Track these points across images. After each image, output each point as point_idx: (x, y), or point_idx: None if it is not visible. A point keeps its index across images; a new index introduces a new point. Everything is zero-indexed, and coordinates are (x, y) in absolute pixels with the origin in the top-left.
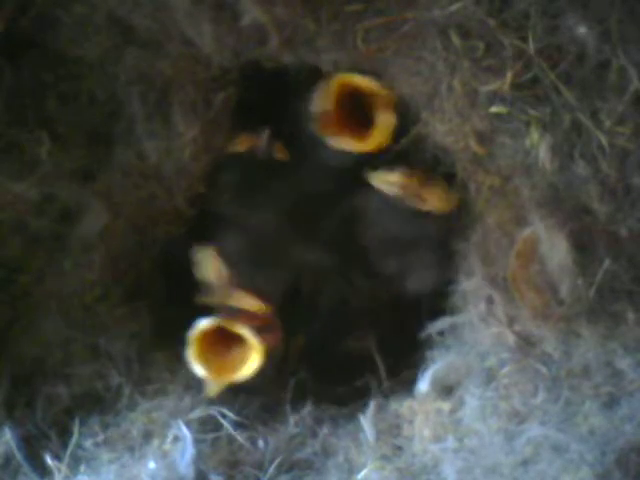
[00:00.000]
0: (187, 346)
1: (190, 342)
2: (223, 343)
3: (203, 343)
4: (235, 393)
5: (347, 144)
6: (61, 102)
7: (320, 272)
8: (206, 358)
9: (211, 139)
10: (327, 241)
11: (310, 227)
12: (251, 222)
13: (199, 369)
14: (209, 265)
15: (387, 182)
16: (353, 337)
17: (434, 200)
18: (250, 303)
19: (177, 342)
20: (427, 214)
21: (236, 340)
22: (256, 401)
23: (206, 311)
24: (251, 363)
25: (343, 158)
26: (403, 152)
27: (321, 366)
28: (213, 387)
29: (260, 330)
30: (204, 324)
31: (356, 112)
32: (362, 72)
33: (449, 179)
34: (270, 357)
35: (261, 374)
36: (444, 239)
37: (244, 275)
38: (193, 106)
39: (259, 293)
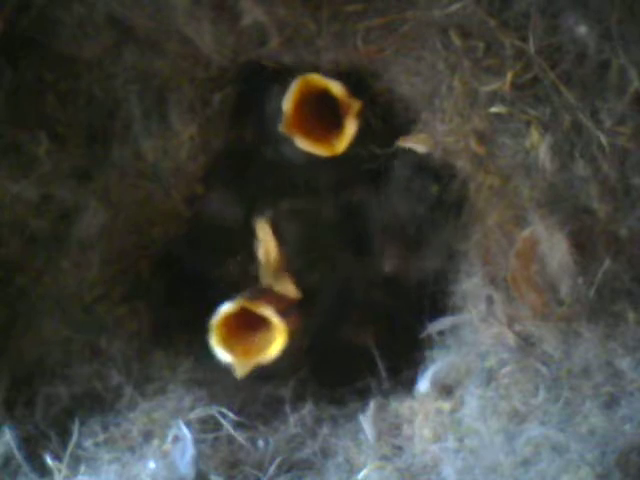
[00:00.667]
0: (210, 333)
1: (213, 328)
2: (246, 327)
3: (226, 328)
4: (258, 379)
5: (310, 147)
6: (60, 102)
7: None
8: (230, 342)
9: (208, 139)
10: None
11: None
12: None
13: (223, 354)
14: (261, 237)
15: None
16: (352, 331)
17: None
18: (291, 290)
19: (177, 341)
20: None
21: (259, 323)
22: (257, 402)
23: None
24: (276, 344)
25: (306, 158)
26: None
27: (321, 365)
28: (241, 369)
29: (282, 312)
30: (227, 308)
31: (330, 113)
32: (366, 75)
33: (449, 179)
34: (292, 339)
35: (284, 356)
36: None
37: (295, 261)
38: (190, 105)
39: (302, 283)
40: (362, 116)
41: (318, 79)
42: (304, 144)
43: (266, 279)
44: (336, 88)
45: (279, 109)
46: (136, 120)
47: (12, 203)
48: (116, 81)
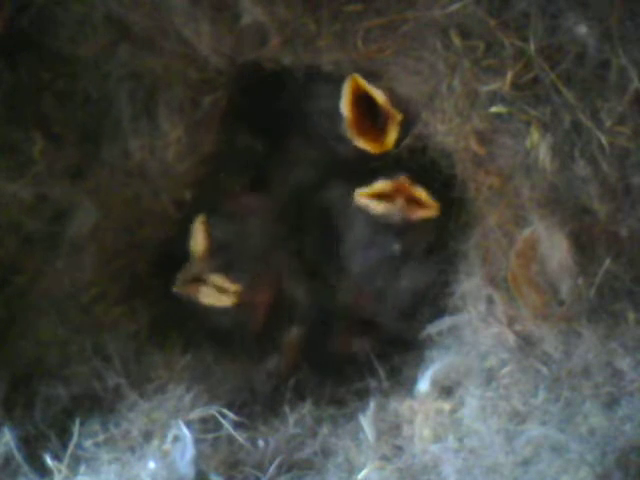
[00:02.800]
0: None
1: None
2: None
3: None
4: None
5: (365, 144)
6: (57, 101)
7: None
8: None
9: (197, 141)
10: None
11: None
12: (249, 214)
13: None
14: (194, 233)
15: (372, 198)
16: (344, 338)
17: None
18: (224, 285)
19: (176, 340)
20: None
21: None
22: (257, 402)
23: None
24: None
25: (361, 156)
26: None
27: (321, 366)
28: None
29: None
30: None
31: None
32: (366, 75)
33: (449, 180)
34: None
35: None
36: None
37: (224, 259)
38: (180, 106)
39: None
40: None
41: (363, 83)
42: (361, 142)
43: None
44: (379, 97)
45: (329, 109)
46: (126, 118)
47: (8, 203)
48: (110, 79)
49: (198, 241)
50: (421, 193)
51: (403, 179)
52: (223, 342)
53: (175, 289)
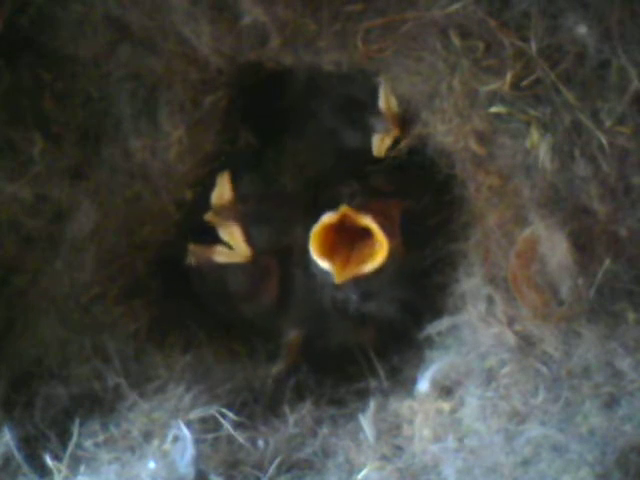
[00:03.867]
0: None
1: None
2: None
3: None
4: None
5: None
6: (57, 101)
7: None
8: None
9: (198, 141)
10: None
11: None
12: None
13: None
14: (218, 185)
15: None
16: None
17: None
18: (236, 241)
19: (176, 340)
20: None
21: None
22: (257, 402)
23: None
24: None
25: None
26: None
27: (321, 366)
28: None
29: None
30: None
31: None
32: (359, 72)
33: (449, 180)
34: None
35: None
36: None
37: (245, 216)
38: (181, 106)
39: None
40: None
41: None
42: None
43: (214, 219)
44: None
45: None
46: (126, 118)
47: (8, 203)
48: (110, 79)
49: (223, 190)
50: (368, 221)
51: (345, 209)
52: (237, 316)
53: (191, 247)
